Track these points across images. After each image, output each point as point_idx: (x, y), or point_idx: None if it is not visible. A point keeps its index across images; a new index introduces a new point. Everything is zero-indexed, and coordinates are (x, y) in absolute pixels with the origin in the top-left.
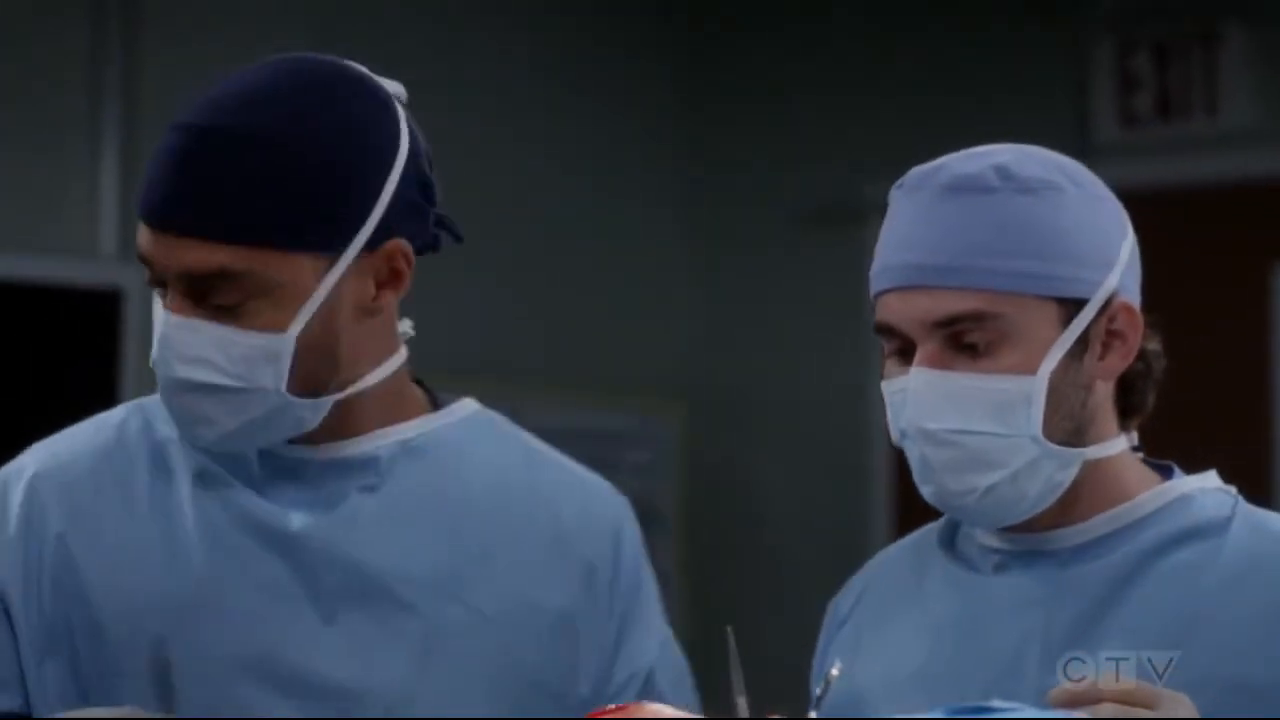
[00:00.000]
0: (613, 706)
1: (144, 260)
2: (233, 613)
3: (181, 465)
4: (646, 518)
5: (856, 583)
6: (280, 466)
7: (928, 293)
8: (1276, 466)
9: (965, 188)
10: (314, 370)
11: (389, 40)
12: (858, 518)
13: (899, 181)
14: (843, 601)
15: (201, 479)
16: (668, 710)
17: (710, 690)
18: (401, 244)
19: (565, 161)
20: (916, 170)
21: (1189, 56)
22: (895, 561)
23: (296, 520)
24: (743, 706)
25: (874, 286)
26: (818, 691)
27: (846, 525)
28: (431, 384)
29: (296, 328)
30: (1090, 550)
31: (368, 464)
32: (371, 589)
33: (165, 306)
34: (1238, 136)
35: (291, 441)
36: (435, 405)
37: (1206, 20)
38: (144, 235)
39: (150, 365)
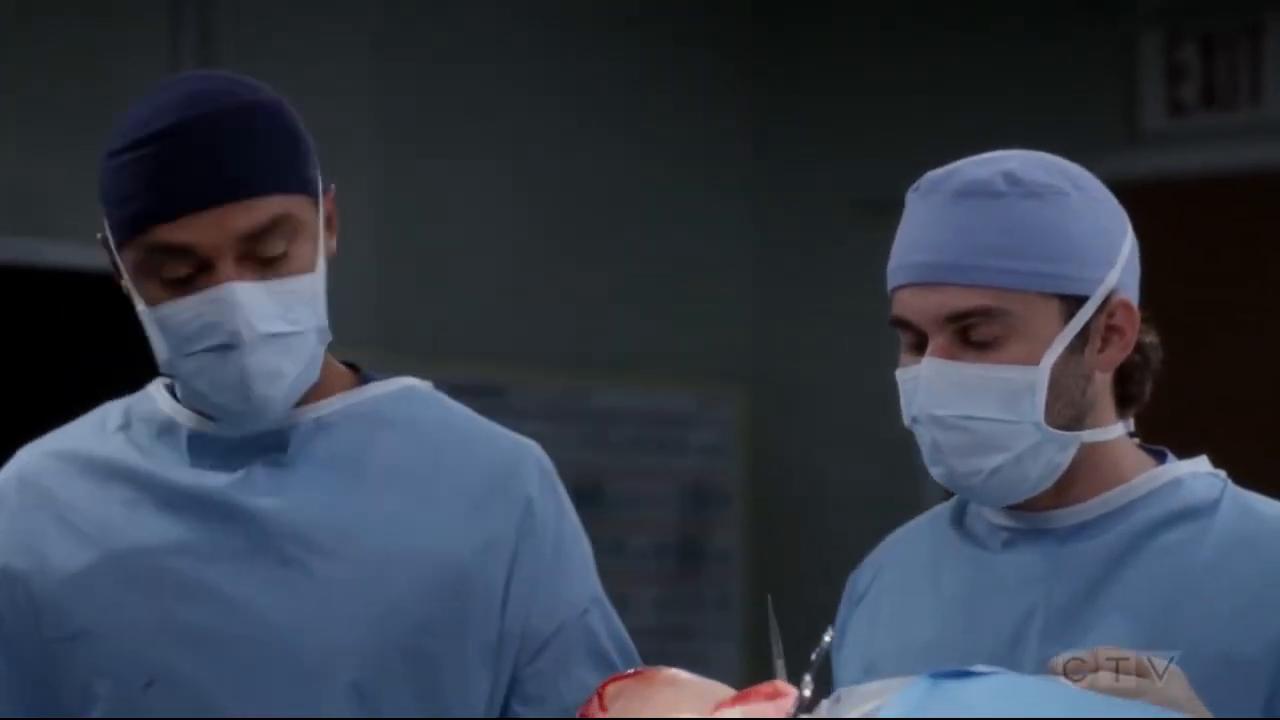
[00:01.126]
0: (631, 671)
1: (180, 250)
2: (142, 575)
3: (126, 450)
4: (709, 497)
5: (873, 560)
6: (201, 445)
7: (939, 289)
8: None
9: (975, 192)
10: (325, 311)
11: (460, 29)
12: (911, 496)
13: (914, 185)
14: (860, 578)
15: (137, 460)
16: (685, 674)
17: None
18: (333, 189)
19: (633, 152)
20: (930, 175)
21: (1234, 48)
22: (909, 539)
23: (209, 487)
24: (780, 669)
25: (890, 282)
26: (813, 657)
27: (901, 504)
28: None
29: (321, 264)
30: (1088, 529)
31: (277, 440)
32: (268, 545)
33: (222, 280)
34: None
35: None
36: (363, 382)
37: (1251, 13)
38: (175, 228)
39: (227, 338)
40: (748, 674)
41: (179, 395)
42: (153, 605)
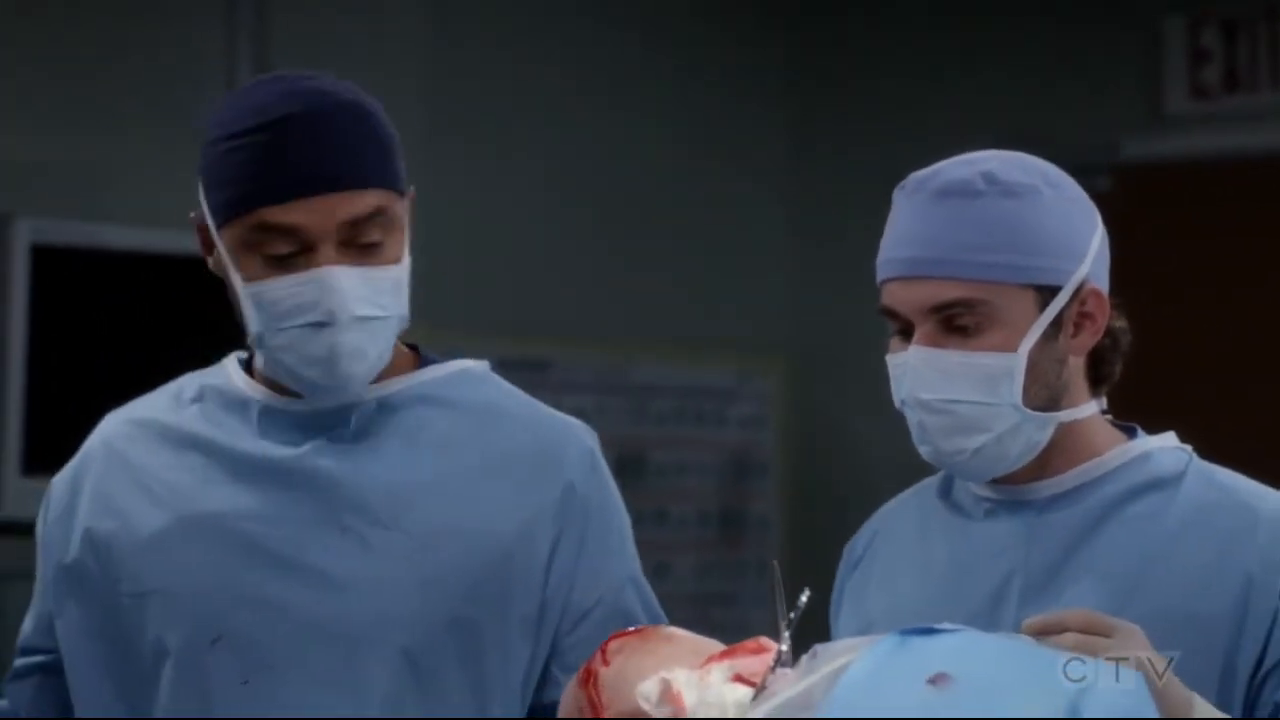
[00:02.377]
0: (632, 630)
1: (287, 230)
2: (210, 538)
3: (199, 422)
4: (749, 467)
5: (867, 529)
6: (270, 420)
7: (924, 282)
8: None
9: (957, 191)
10: (407, 300)
11: (507, 14)
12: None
13: (900, 184)
14: (856, 545)
15: (209, 430)
16: (681, 632)
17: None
18: (413, 191)
19: (673, 131)
20: (915, 175)
21: (1256, 32)
22: (901, 510)
23: (277, 458)
24: (783, 629)
25: (879, 275)
26: (792, 615)
27: (933, 473)
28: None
29: (407, 256)
30: (1063, 500)
31: (341, 418)
32: (329, 515)
33: (323, 263)
34: None
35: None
36: (423, 364)
37: None
38: (285, 210)
39: (322, 316)
40: None
41: (260, 368)
42: (219, 567)
